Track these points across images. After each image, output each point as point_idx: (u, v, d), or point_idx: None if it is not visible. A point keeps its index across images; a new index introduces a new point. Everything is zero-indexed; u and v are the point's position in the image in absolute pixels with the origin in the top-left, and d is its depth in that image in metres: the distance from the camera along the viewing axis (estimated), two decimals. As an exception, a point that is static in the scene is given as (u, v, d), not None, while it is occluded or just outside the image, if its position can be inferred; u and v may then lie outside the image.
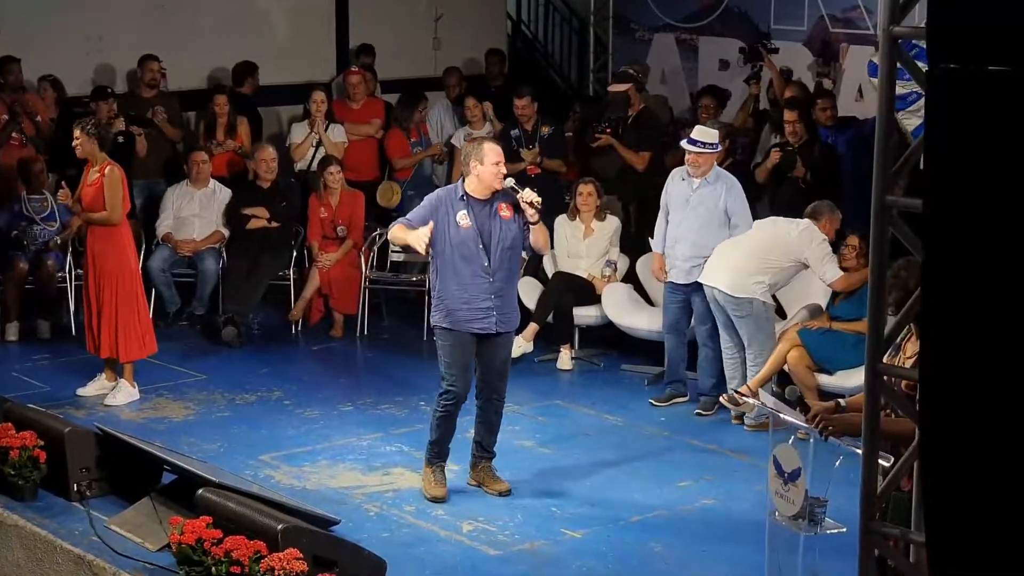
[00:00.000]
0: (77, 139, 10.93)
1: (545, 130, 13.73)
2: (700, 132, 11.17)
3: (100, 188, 10.91)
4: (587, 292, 12.45)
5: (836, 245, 11.05)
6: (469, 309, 9.21)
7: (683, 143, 11.23)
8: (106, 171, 10.92)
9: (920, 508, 5.56)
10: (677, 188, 11.27)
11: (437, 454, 9.51)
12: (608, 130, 13.32)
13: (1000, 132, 4.04)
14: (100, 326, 11.03)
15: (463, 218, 9.21)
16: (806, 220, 10.84)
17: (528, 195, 9.10)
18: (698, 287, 11.05)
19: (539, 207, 9.14)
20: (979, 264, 4.10)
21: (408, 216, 9.45)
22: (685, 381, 11.41)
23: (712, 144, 11.04)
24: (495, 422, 9.58)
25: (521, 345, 11.97)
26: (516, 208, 9.25)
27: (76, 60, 14.56)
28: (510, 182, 9.21)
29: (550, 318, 12.40)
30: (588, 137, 13.56)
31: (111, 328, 11.02)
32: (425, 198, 9.49)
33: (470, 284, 9.20)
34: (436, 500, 9.44)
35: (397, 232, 9.41)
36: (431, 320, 9.53)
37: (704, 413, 11.14)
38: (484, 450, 9.65)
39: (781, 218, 11.12)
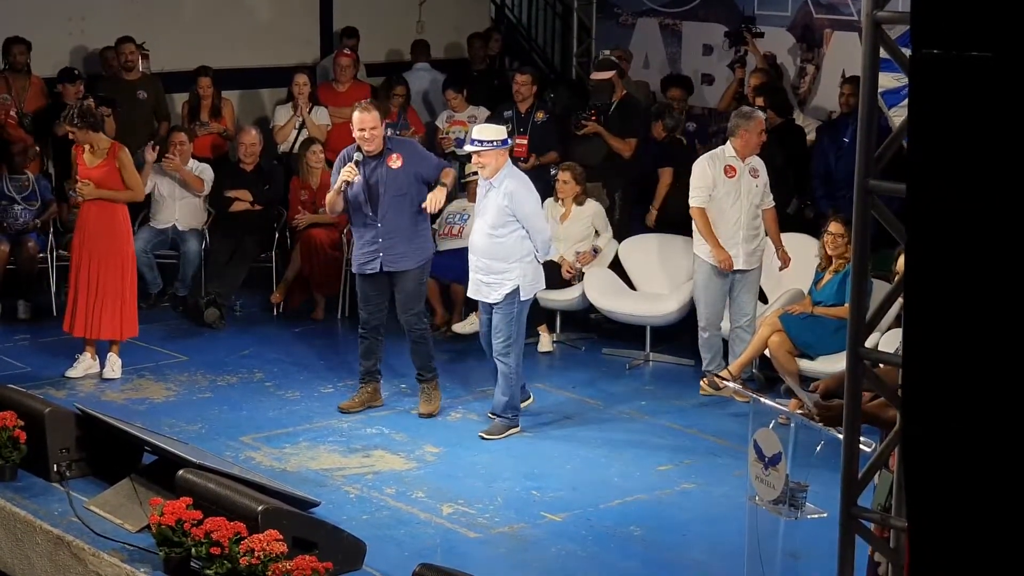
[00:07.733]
0: (73, 136, 11.01)
1: (540, 116, 13.46)
2: (480, 130, 10.19)
3: (112, 169, 10.97)
4: (556, 275, 12.04)
5: (815, 224, 11.09)
6: (362, 253, 10.42)
7: (466, 145, 10.47)
8: (119, 154, 11.04)
9: (901, 493, 5.57)
10: (480, 190, 10.31)
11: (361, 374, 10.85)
12: (594, 117, 13.15)
13: (983, 117, 4.04)
14: (98, 306, 11.03)
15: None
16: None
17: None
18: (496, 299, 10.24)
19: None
20: (963, 249, 4.10)
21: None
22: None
23: (493, 141, 10.00)
24: (414, 348, 10.64)
25: (475, 322, 12.03)
26: (406, 158, 10.30)
27: (58, 41, 14.51)
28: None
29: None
30: (573, 124, 13.36)
31: (112, 307, 11.05)
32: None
33: (363, 230, 10.40)
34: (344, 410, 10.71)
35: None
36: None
37: (489, 436, 10.23)
38: (417, 372, 10.71)
39: None
